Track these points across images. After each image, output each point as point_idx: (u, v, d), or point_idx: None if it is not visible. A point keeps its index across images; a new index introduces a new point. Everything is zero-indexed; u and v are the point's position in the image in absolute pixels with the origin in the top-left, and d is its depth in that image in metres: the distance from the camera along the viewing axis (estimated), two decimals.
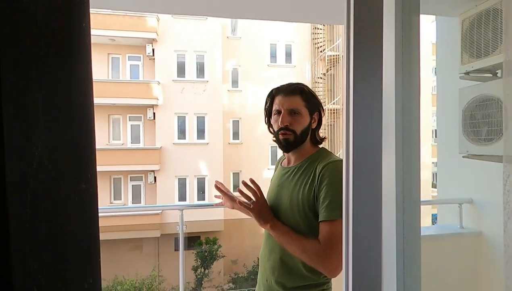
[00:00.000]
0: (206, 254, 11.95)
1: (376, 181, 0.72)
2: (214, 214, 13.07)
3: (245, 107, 14.86)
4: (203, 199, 13.21)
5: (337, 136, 14.96)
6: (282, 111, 1.19)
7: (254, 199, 1.24)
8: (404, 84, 0.81)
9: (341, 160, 0.90)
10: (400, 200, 0.79)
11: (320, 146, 1.28)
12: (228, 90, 14.61)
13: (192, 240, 13.10)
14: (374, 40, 0.71)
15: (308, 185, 1.12)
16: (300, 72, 15.31)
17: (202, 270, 12.01)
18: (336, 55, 14.74)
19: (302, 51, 15.32)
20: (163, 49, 12.80)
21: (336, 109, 14.73)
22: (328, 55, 14.62)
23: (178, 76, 13.01)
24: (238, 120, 14.83)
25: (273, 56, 15.22)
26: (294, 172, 1.21)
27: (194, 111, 13.01)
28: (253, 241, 14.61)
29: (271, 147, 15.11)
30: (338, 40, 14.68)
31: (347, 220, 0.74)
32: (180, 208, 2.49)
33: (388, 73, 0.77)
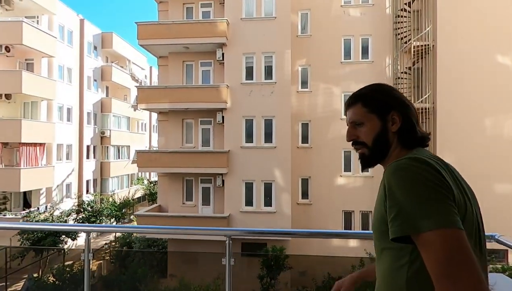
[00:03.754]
0: (272, 263, 11.38)
1: None
2: (280, 222, 12.45)
3: (315, 108, 13.90)
4: (270, 205, 12.72)
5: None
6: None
7: None
8: None
9: (411, 158, 0.85)
10: None
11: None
12: (297, 91, 13.88)
13: (258, 247, 12.73)
14: None
15: (380, 199, 0.89)
16: (378, 68, 13.61)
17: (268, 279, 11.49)
18: (424, 45, 12.61)
19: (381, 44, 13.61)
20: (232, 52, 12.85)
21: (425, 109, 12.57)
22: (414, 46, 12.61)
23: (246, 79, 12.89)
24: (308, 123, 13.95)
25: (347, 52, 13.90)
26: (380, 184, 0.94)
27: (262, 114, 12.68)
28: (323, 250, 13.49)
29: (345, 151, 13.77)
30: (428, 27, 12.54)
31: None
32: (228, 235, 1.93)
33: None
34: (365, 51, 13.83)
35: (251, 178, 12.67)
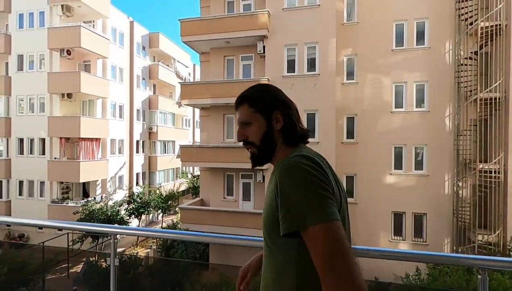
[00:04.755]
0: None
1: None
2: None
3: (362, 101, 12.94)
4: None
5: (495, 134, 11.12)
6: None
7: None
8: None
9: (300, 155, 0.91)
10: None
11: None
12: (342, 83, 13.04)
13: None
14: None
15: (270, 195, 0.93)
16: (436, 55, 12.18)
17: None
18: (495, 25, 10.94)
19: (439, 27, 12.14)
20: (273, 45, 12.46)
21: (494, 99, 10.94)
22: (482, 27, 11.01)
23: (287, 72, 12.42)
24: (353, 117, 13.06)
25: (399, 39, 12.67)
26: (269, 182, 1.00)
27: (304, 108, 12.13)
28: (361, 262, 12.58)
29: (395, 147, 12.65)
30: (500, 4, 10.84)
31: None
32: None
33: None
34: (420, 37, 12.47)
35: None
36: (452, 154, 12.00)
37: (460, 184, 11.77)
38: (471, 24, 11.48)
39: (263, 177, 12.57)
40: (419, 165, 12.50)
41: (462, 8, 11.63)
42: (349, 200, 12.90)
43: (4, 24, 19.23)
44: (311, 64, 12.28)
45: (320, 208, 0.80)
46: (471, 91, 11.54)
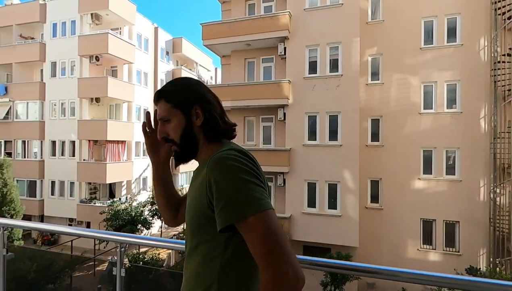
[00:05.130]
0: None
1: None
2: (346, 227, 11.43)
3: (388, 102, 12.39)
4: (335, 207, 11.78)
5: None
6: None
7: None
8: None
9: (232, 149, 0.91)
10: None
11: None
12: (366, 84, 12.58)
13: (321, 252, 11.92)
14: None
15: (199, 191, 0.92)
16: (470, 52, 11.44)
17: (332, 288, 10.65)
18: None
19: (473, 23, 11.39)
20: (294, 46, 12.27)
21: None
22: None
23: (309, 73, 12.16)
24: (379, 119, 12.53)
25: (428, 36, 12.04)
26: (193, 180, 1.03)
27: (326, 109, 11.80)
28: (395, 263, 11.96)
29: (424, 150, 11.99)
30: None
31: None
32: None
33: None
34: (451, 33, 11.77)
35: (314, 178, 11.93)
36: (488, 158, 11.17)
37: (498, 191, 10.91)
38: (509, 18, 10.66)
39: (284, 180, 12.35)
40: (450, 170, 11.75)
41: (499, 1, 10.84)
42: (373, 205, 12.40)
43: (39, 33, 20.47)
44: (334, 65, 11.94)
45: (257, 198, 0.81)
46: (509, 90, 10.69)
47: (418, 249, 11.93)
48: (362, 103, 12.20)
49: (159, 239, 1.70)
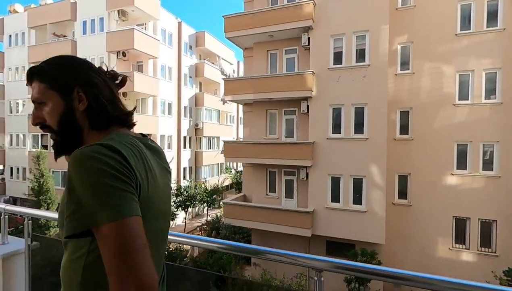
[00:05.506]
0: None
1: None
2: (372, 224, 11.04)
3: (419, 93, 11.71)
4: (360, 203, 11.41)
5: None
6: None
7: None
8: None
9: (96, 145, 0.78)
10: None
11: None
12: (396, 74, 11.95)
13: (345, 248, 11.65)
14: None
15: (65, 190, 0.78)
16: None
17: (357, 285, 10.38)
18: None
19: None
20: (318, 36, 11.87)
21: None
22: None
23: (334, 64, 11.74)
24: (408, 111, 11.90)
25: (465, 21, 11.17)
26: None
27: (352, 101, 11.37)
28: (424, 262, 11.44)
29: (458, 144, 11.26)
30: None
31: None
32: (317, 268, 1.30)
33: None
34: (492, 17, 10.84)
35: (338, 172, 11.60)
36: None
37: None
38: None
39: (307, 174, 12.13)
40: (487, 165, 10.95)
41: None
42: (401, 201, 11.87)
43: (71, 31, 21.39)
44: (360, 55, 11.43)
45: (113, 204, 0.72)
46: None
47: (449, 248, 11.31)
48: (390, 94, 11.62)
49: (178, 234, 1.61)
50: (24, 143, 22.65)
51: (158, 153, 0.98)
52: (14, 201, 22.86)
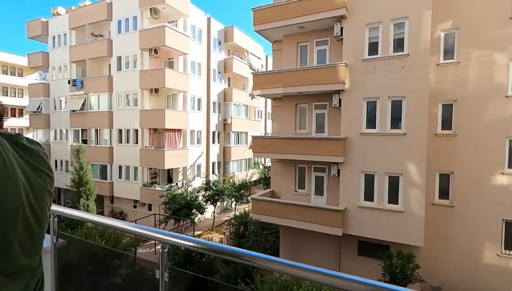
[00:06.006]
0: (397, 270, 9.63)
1: None
2: (409, 225, 10.36)
3: (465, 84, 10.71)
4: (396, 202, 10.75)
5: None
6: None
7: None
8: None
9: None
10: None
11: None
12: (438, 64, 11.02)
13: (378, 249, 11.08)
14: None
15: None
16: None
17: None
18: None
19: None
20: (352, 25, 11.25)
21: None
22: None
23: (369, 54, 11.07)
24: (452, 104, 10.95)
25: None
26: None
27: (388, 94, 10.67)
28: (468, 268, 10.55)
29: (510, 140, 10.17)
30: None
31: None
32: None
33: None
34: None
35: (373, 169, 11.00)
36: None
37: None
38: None
39: (338, 170, 11.65)
40: None
41: None
42: (442, 201, 11.01)
43: (107, 30, 22.36)
44: (398, 44, 10.66)
45: None
46: None
47: (498, 255, 10.32)
48: (431, 86, 10.75)
49: (205, 242, 1.43)
50: (66, 137, 24.25)
51: (32, 153, 0.91)
52: (58, 191, 24.63)
